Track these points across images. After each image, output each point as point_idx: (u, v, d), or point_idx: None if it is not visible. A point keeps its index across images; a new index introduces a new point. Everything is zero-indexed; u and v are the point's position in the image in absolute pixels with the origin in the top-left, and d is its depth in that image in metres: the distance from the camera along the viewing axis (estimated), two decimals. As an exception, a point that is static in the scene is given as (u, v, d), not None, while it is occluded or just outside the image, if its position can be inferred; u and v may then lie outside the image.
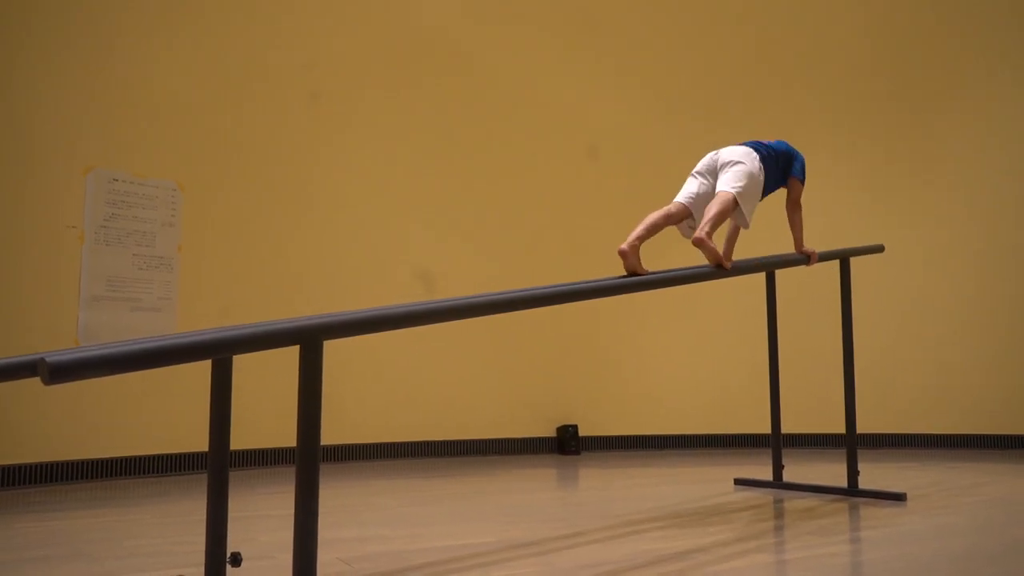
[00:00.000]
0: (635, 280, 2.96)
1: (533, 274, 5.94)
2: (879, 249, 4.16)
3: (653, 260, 3.27)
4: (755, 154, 3.47)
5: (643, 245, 3.14)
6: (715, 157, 3.51)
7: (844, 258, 3.99)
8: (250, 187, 5.12)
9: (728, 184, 3.33)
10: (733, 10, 6.64)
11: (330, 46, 5.49)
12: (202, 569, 2.29)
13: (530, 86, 6.23)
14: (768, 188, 3.54)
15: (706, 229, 3.16)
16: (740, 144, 3.56)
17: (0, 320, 4.20)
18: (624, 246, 3.06)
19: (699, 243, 3.13)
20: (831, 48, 6.66)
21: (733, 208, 3.28)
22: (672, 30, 6.58)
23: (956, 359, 6.32)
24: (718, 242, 3.41)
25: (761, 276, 5.65)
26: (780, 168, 3.60)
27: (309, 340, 1.81)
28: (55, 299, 4.37)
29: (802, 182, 3.66)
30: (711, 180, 3.45)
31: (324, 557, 2.47)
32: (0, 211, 4.28)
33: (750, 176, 3.36)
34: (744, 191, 3.31)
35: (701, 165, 3.53)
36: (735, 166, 3.39)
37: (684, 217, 3.35)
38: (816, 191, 6.34)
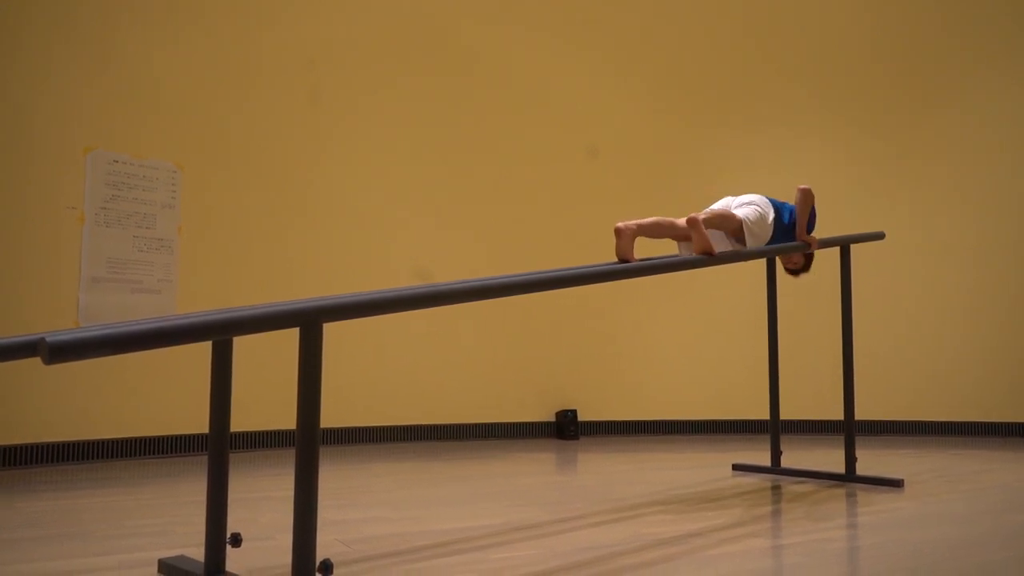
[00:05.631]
0: (622, 267, 2.92)
1: (533, 265, 5.95)
2: (879, 236, 4.16)
3: (643, 249, 3.26)
4: (770, 204, 3.55)
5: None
6: (731, 199, 3.58)
7: (844, 245, 3.98)
8: (250, 170, 5.12)
9: (739, 211, 3.39)
10: (734, 7, 6.61)
11: (332, 35, 5.47)
12: (202, 549, 2.31)
13: (530, 81, 6.21)
14: (777, 240, 3.58)
15: (703, 216, 3.15)
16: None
17: (1, 301, 4.21)
18: (622, 224, 3.04)
19: (692, 224, 3.12)
20: (832, 43, 6.63)
21: (736, 228, 3.34)
22: (673, 25, 6.54)
23: (958, 347, 6.33)
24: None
25: (762, 263, 5.66)
26: (790, 224, 3.64)
27: (309, 322, 1.81)
28: (55, 280, 4.38)
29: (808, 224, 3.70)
30: None
31: (324, 538, 2.49)
32: (0, 191, 4.28)
33: (761, 216, 3.45)
34: (751, 224, 3.36)
35: (716, 205, 3.58)
36: (750, 205, 3.49)
37: (688, 238, 3.34)
38: (816, 185, 6.33)
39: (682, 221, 3.29)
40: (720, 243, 3.40)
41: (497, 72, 6.10)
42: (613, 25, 6.44)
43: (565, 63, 6.31)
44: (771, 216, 3.50)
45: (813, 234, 3.72)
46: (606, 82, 6.43)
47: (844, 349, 3.92)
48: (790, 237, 3.64)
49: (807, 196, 3.64)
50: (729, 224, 3.34)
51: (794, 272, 3.89)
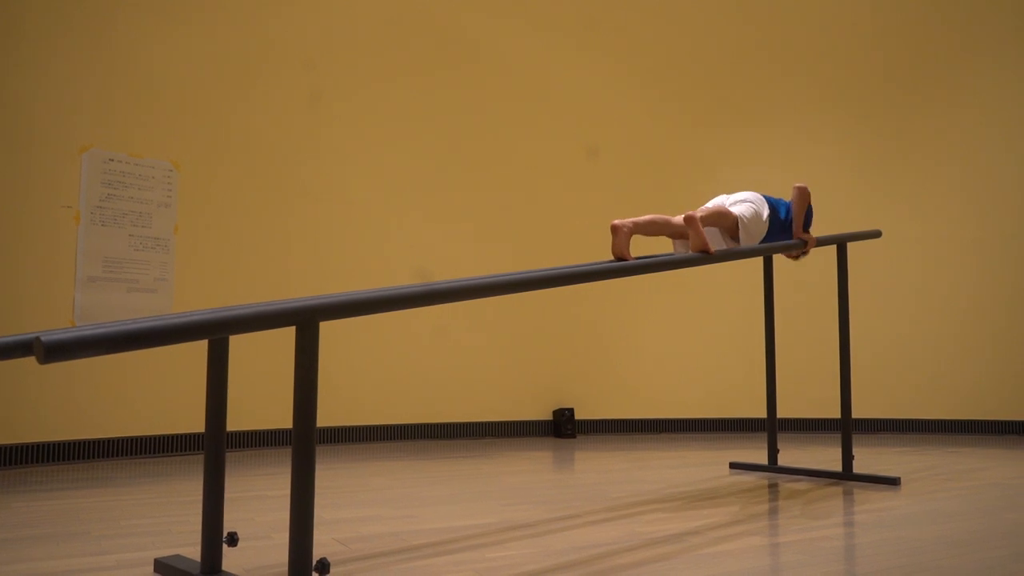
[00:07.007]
0: (618, 266, 2.92)
1: (531, 263, 5.96)
2: (876, 234, 4.17)
3: (639, 246, 3.27)
4: (764, 201, 3.58)
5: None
6: (724, 198, 3.60)
7: (841, 243, 3.99)
8: (247, 168, 5.11)
9: (735, 208, 3.41)
10: (734, 6, 6.61)
11: (331, 30, 5.46)
12: (199, 548, 2.31)
13: (531, 81, 6.21)
14: (772, 236, 3.58)
15: (700, 214, 3.16)
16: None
17: (-4, 300, 4.20)
18: (618, 222, 3.06)
19: (689, 221, 3.14)
20: (831, 41, 6.64)
21: (731, 226, 3.36)
22: (673, 25, 6.55)
23: (956, 345, 6.34)
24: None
25: (759, 261, 5.66)
26: (785, 220, 3.65)
27: (305, 321, 1.81)
28: (51, 280, 4.37)
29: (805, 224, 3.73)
30: None
31: (320, 538, 2.49)
32: (-4, 190, 4.28)
33: (756, 213, 3.47)
34: (747, 221, 3.39)
35: (711, 203, 3.59)
36: (745, 202, 3.51)
37: (684, 235, 3.35)
38: (815, 180, 6.34)
39: (678, 219, 3.31)
40: (716, 241, 3.42)
41: (497, 72, 6.09)
42: (614, 25, 6.44)
43: (566, 62, 6.31)
44: (766, 213, 3.52)
45: (810, 231, 3.73)
46: (607, 81, 6.43)
47: (841, 347, 3.93)
48: (787, 234, 3.66)
49: (803, 194, 3.65)
50: (725, 221, 3.36)
51: (794, 257, 3.94)
